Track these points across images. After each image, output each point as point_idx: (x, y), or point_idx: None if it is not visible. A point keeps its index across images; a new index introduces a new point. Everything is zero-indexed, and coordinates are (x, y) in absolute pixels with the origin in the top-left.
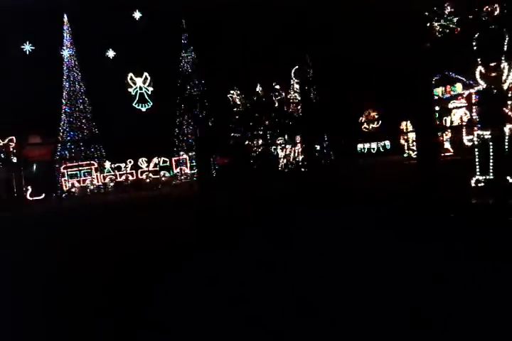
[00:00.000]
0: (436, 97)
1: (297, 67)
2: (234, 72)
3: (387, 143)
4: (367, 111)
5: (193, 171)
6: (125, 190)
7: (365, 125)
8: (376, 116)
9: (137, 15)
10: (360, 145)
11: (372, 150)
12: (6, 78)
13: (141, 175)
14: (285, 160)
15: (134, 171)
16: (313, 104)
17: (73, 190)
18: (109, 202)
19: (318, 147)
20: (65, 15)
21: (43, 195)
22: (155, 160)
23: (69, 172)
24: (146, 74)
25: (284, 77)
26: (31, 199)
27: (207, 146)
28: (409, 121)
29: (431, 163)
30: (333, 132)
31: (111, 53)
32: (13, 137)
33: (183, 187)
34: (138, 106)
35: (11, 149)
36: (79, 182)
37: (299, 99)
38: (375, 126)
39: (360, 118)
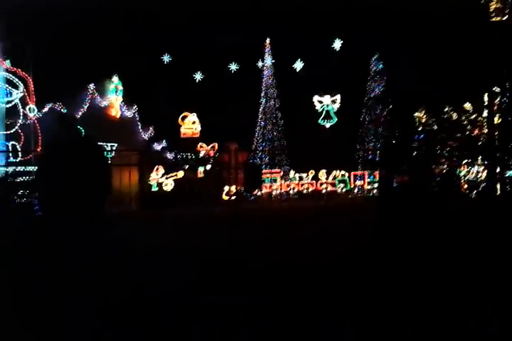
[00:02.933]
0: None
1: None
2: (422, 93)
3: None
4: None
5: (369, 186)
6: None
7: None
8: None
9: (337, 44)
10: None
11: None
12: (216, 94)
13: (320, 186)
14: (468, 184)
15: (314, 181)
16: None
17: (259, 193)
18: (292, 208)
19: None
20: (268, 38)
21: (234, 196)
22: (334, 172)
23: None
24: (334, 92)
25: (477, 96)
26: (226, 198)
27: (390, 163)
28: None
29: None
30: None
31: (298, 65)
32: (216, 144)
33: (358, 201)
34: (323, 122)
35: (212, 154)
36: (265, 187)
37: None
38: None
39: None
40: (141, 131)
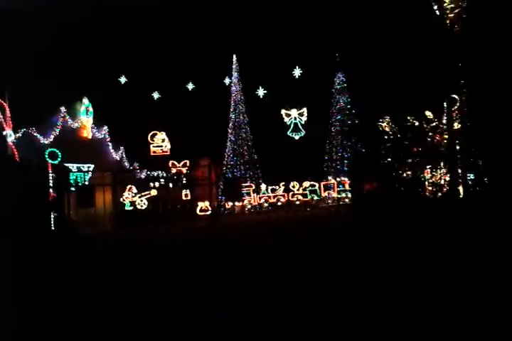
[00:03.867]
0: None
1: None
2: (385, 103)
3: None
4: None
5: (339, 195)
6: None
7: None
8: None
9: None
10: None
11: None
12: (182, 111)
13: (292, 197)
14: (432, 188)
15: (285, 193)
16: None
17: (233, 208)
18: (266, 220)
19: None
20: (234, 56)
21: (210, 211)
22: (305, 183)
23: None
24: (300, 106)
25: (437, 105)
26: (200, 214)
27: (360, 172)
28: None
29: None
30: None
31: (261, 92)
32: (187, 161)
33: (330, 210)
34: (292, 134)
35: (184, 171)
36: (233, 202)
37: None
38: None
39: None
40: (112, 151)
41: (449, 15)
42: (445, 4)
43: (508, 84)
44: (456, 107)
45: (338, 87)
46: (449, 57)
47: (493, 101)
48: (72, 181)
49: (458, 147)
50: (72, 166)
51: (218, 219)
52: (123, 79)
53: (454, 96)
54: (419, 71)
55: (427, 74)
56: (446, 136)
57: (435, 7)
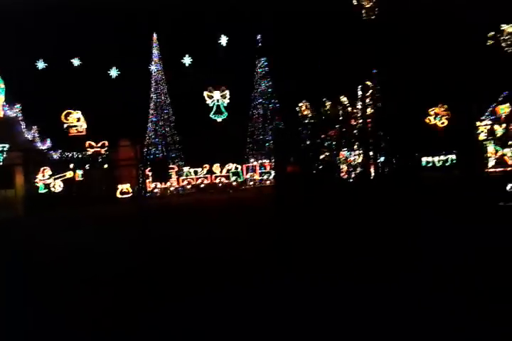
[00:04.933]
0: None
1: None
2: (303, 85)
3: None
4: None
5: (261, 177)
6: (199, 192)
7: (428, 120)
8: (444, 112)
9: (223, 40)
10: (427, 159)
11: (436, 164)
12: (103, 90)
13: (215, 179)
14: (347, 170)
15: (208, 175)
16: (383, 117)
17: (155, 190)
18: (187, 202)
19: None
20: (155, 34)
21: (130, 194)
22: (227, 166)
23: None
24: (223, 87)
25: (352, 90)
26: (120, 197)
27: (282, 154)
28: None
29: None
30: (395, 143)
31: (187, 60)
32: (106, 141)
33: (251, 192)
34: (214, 116)
35: (103, 152)
36: (161, 183)
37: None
38: (440, 123)
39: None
40: (24, 130)
41: (365, 6)
42: None
43: (414, 72)
44: (369, 93)
45: (260, 70)
46: (363, 45)
47: (402, 87)
48: None
49: (369, 131)
50: None
51: (144, 202)
52: (41, 65)
53: (367, 82)
54: (335, 58)
55: (342, 60)
56: (360, 121)
57: None
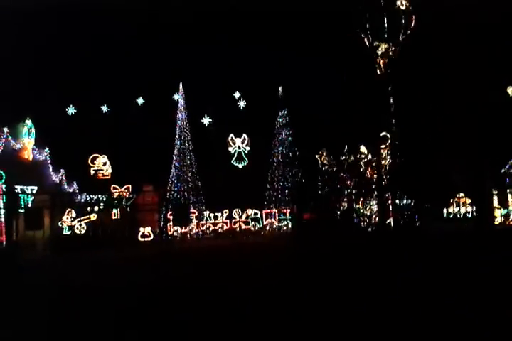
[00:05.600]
0: None
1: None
2: (323, 135)
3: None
4: None
5: (280, 224)
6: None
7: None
8: None
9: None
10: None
11: (458, 215)
12: (128, 136)
13: (235, 224)
14: (367, 219)
15: (228, 220)
16: (400, 168)
17: (175, 234)
18: (210, 247)
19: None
20: (181, 84)
21: (151, 237)
22: (247, 211)
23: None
24: (244, 135)
25: (372, 140)
26: (141, 239)
27: (300, 201)
28: None
29: None
30: (418, 194)
31: (206, 121)
32: (129, 185)
33: (270, 237)
34: (236, 163)
35: (127, 196)
36: (181, 227)
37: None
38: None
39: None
40: (52, 173)
41: (382, 61)
42: (378, 51)
43: (431, 125)
44: (387, 144)
45: (280, 120)
46: (380, 100)
47: (419, 140)
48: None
49: (386, 181)
50: (16, 188)
51: (172, 245)
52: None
53: (385, 134)
54: (355, 109)
55: (361, 113)
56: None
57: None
